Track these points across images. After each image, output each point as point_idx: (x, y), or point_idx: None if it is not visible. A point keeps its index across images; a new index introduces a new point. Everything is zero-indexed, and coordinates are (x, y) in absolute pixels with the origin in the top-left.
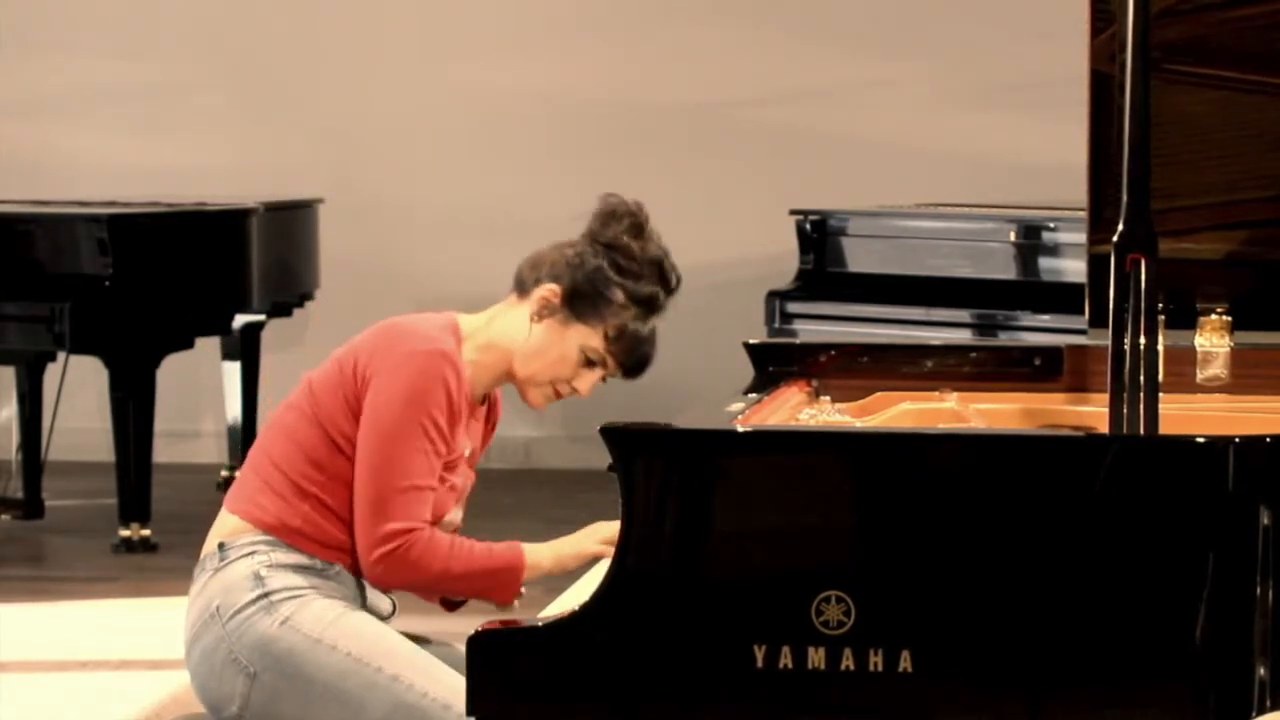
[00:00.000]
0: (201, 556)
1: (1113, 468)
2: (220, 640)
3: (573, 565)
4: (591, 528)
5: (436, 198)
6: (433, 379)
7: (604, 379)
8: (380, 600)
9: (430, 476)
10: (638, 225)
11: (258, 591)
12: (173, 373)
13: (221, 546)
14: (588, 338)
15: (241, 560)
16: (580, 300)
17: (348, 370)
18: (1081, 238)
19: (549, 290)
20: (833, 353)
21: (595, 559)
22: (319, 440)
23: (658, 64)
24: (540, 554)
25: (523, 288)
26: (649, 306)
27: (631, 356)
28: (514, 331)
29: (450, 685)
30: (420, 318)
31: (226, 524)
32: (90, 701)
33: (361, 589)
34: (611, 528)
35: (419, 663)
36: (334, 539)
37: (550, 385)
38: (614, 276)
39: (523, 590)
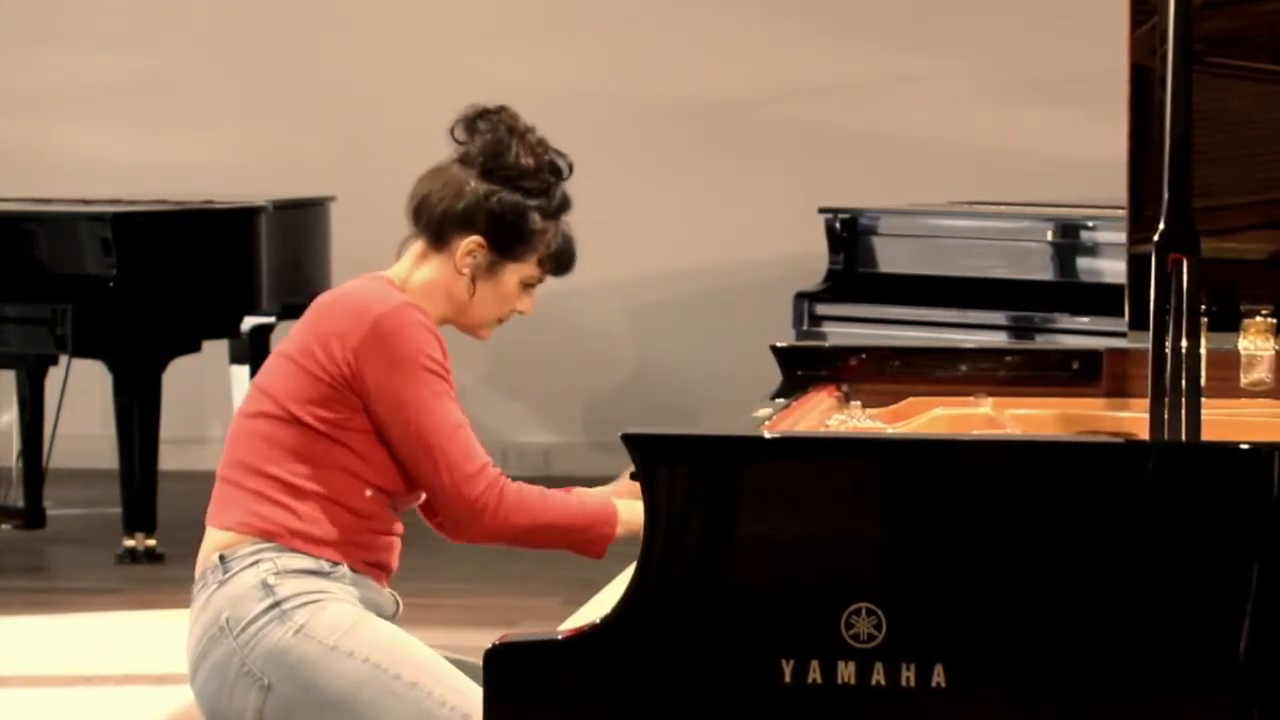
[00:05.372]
0: (199, 572)
1: (1153, 475)
2: (232, 653)
3: None
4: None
5: None
6: (414, 326)
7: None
8: (383, 598)
9: (462, 415)
10: (520, 136)
11: (269, 600)
12: (179, 377)
13: (222, 559)
14: (524, 270)
15: (247, 570)
16: (507, 242)
17: (320, 356)
18: (1121, 237)
19: (472, 244)
20: (863, 356)
21: None
22: (300, 435)
23: (683, 58)
24: (634, 510)
25: (438, 238)
26: (562, 209)
27: (562, 265)
28: (446, 286)
29: (468, 694)
30: (360, 285)
31: (220, 539)
32: (94, 717)
33: (368, 587)
34: None
35: (437, 669)
36: (340, 531)
37: (496, 320)
38: (529, 204)
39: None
